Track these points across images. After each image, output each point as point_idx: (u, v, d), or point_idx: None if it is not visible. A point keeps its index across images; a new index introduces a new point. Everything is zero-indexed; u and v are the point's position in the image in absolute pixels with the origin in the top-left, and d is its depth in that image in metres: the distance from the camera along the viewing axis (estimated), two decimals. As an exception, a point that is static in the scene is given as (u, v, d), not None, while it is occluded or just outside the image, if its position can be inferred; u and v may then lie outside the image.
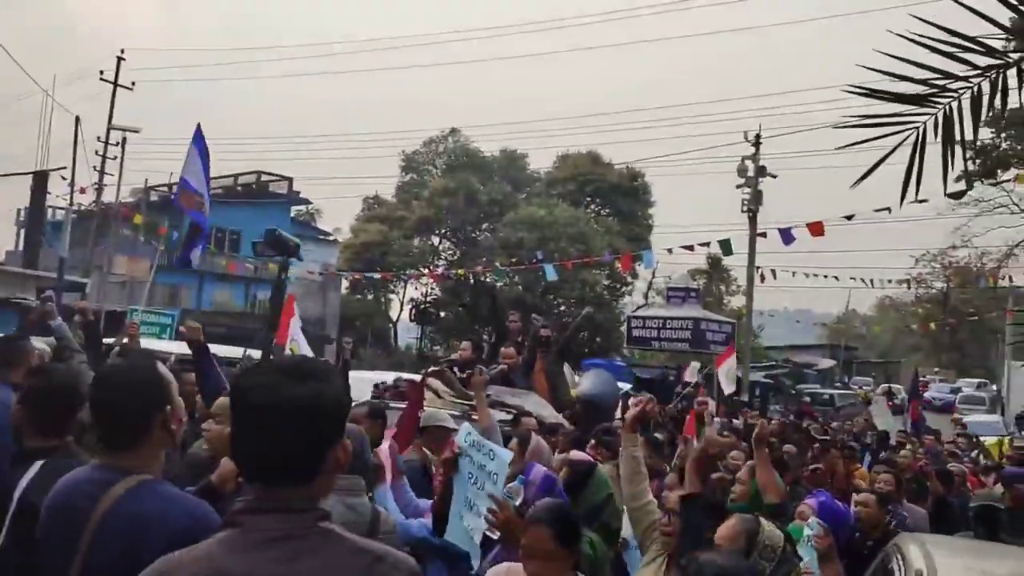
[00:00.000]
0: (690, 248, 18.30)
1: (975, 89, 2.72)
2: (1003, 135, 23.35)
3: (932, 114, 2.80)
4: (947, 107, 2.78)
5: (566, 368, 10.84)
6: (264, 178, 42.16)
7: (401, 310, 42.17)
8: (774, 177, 22.95)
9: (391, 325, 43.13)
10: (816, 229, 13.67)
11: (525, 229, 33.78)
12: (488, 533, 3.70)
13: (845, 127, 2.83)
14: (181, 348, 13.32)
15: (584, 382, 10.79)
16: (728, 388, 12.24)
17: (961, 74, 2.73)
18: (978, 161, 27.93)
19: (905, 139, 2.81)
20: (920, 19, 2.73)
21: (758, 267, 22.75)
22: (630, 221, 39.01)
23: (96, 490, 2.09)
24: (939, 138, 2.78)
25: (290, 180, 41.96)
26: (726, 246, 17.97)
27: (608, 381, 11.06)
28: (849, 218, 12.85)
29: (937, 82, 2.74)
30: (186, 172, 8.03)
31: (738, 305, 37.83)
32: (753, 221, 22.33)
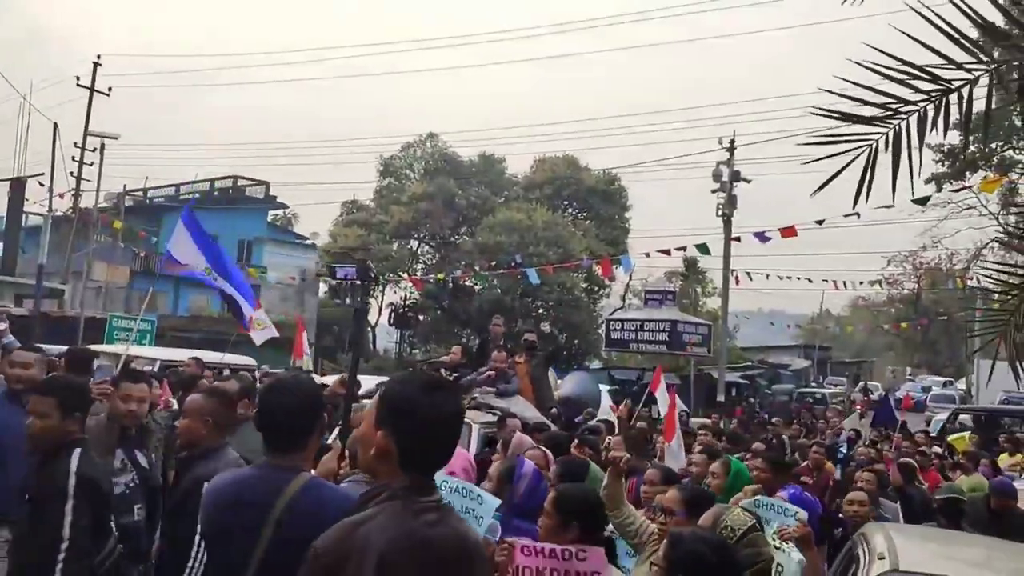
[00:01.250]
0: (667, 252, 18.71)
1: (921, 111, 3.04)
2: (971, 138, 23.97)
3: (883, 133, 3.12)
4: (896, 127, 3.09)
5: (550, 372, 11.17)
6: (240, 183, 42.14)
7: (380, 314, 42.29)
8: (748, 182, 23.43)
9: (370, 329, 43.23)
10: (788, 233, 14.12)
11: (503, 233, 34.08)
12: None
13: (808, 144, 3.14)
14: (164, 354, 13.57)
15: (566, 384, 11.16)
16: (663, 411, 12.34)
17: (909, 98, 3.05)
18: (947, 164, 28.59)
19: (859, 155, 3.13)
20: (875, 48, 3.04)
21: (733, 270, 23.22)
22: (607, 224, 39.42)
23: (274, 487, 2.46)
24: (890, 151, 3.09)
25: (267, 184, 41.97)
26: (703, 249, 18.36)
27: (589, 383, 11.45)
28: (820, 223, 13.29)
29: (890, 105, 3.05)
30: (172, 246, 8.11)
31: (714, 307, 38.32)
32: (728, 225, 22.78)
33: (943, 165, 28.43)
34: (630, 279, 40.70)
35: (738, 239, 20.62)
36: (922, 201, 10.58)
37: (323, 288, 39.95)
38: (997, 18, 2.91)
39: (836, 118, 3.06)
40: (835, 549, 5.31)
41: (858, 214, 11.96)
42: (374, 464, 2.02)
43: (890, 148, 3.10)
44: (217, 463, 3.36)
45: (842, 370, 55.58)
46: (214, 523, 2.55)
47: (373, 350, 42.32)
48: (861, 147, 3.12)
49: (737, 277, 22.97)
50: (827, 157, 3.08)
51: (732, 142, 23.20)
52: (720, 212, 23.00)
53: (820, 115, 3.03)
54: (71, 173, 28.15)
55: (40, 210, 28.27)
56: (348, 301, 43.07)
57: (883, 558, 4.04)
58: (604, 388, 15.69)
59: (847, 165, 3.09)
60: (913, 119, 3.07)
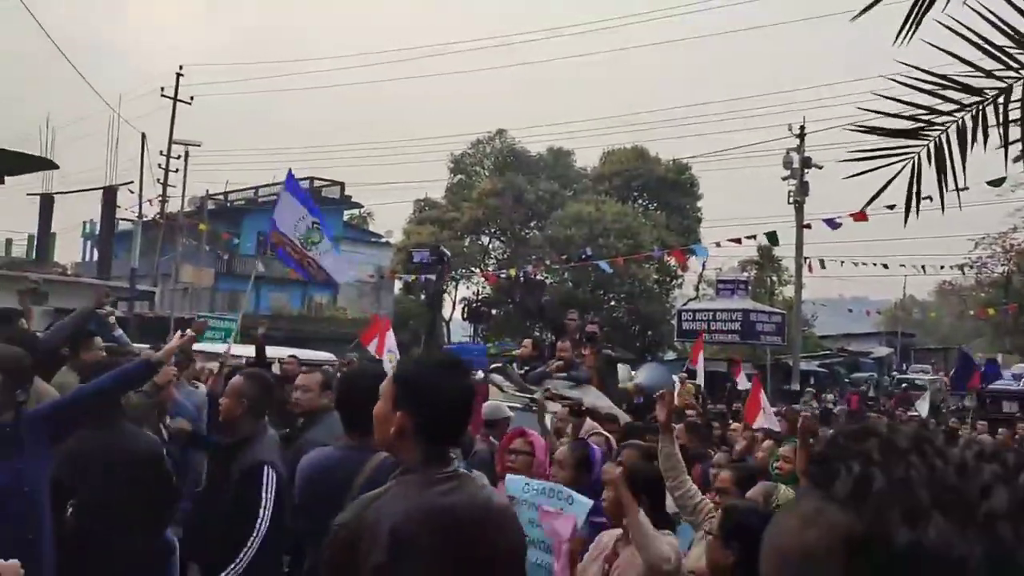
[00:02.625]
0: (737, 241, 18.56)
1: (960, 122, 3.16)
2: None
3: (923, 146, 3.25)
4: (937, 139, 3.22)
5: (620, 366, 11.35)
6: (316, 183, 43.19)
7: (453, 309, 42.91)
8: (819, 168, 23.04)
9: (444, 324, 43.88)
10: (860, 217, 13.90)
11: (573, 226, 34.17)
12: None
13: (852, 160, 3.29)
14: (246, 351, 14.28)
15: (640, 375, 11.32)
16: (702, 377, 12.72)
17: (947, 110, 3.17)
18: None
19: (901, 170, 3.26)
20: (913, 66, 3.18)
21: (807, 257, 22.88)
22: (678, 214, 39.11)
23: (354, 465, 2.80)
24: (932, 165, 3.22)
25: (342, 185, 42.94)
26: (772, 237, 18.21)
27: (663, 373, 11.60)
28: (891, 207, 12.96)
29: (925, 117, 3.18)
30: (277, 214, 8.56)
31: (790, 295, 37.69)
32: (800, 212, 22.47)
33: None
34: (703, 269, 40.36)
35: (808, 226, 20.34)
36: (997, 183, 10.32)
37: (398, 285, 40.71)
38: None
39: (875, 134, 3.20)
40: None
41: (930, 198, 11.74)
42: (393, 442, 2.14)
43: (933, 162, 3.22)
44: (255, 450, 3.71)
45: (927, 357, 53.82)
46: (305, 496, 2.89)
47: (447, 344, 42.96)
48: (904, 160, 3.25)
49: (810, 264, 22.65)
50: (868, 172, 3.22)
51: (802, 128, 22.87)
52: (791, 199, 22.71)
53: (857, 131, 3.17)
54: (158, 180, 29.49)
55: (130, 216, 29.66)
56: (423, 296, 43.96)
57: None
58: (676, 378, 15.80)
59: (888, 182, 3.22)
60: (952, 130, 3.19)
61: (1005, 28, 3.12)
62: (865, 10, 3.41)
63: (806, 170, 23.11)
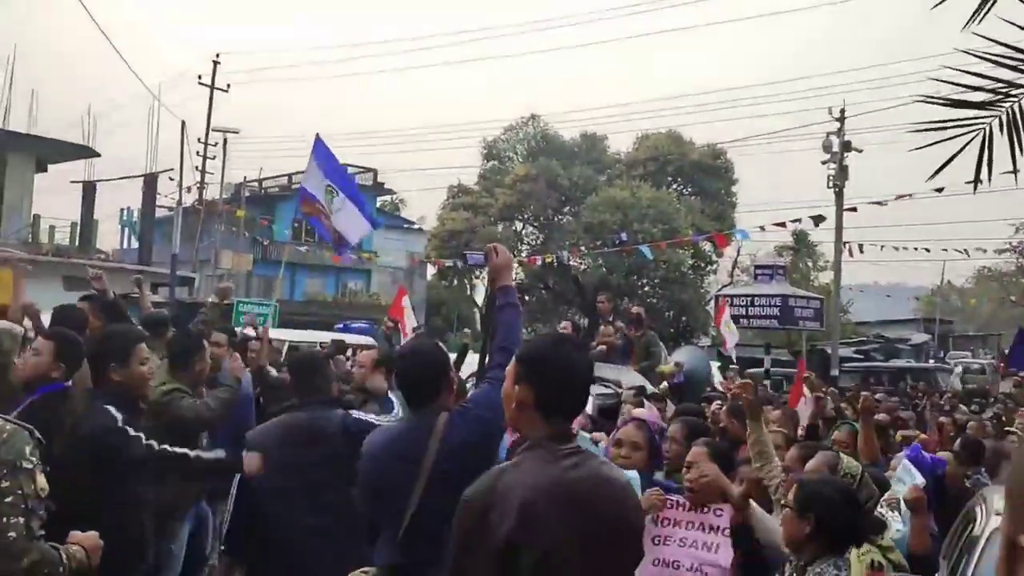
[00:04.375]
0: (782, 224, 18.40)
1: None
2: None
3: (995, 117, 3.22)
4: (1008, 110, 3.20)
5: (662, 348, 11.34)
6: (350, 171, 43.38)
7: (486, 295, 43.02)
8: (859, 151, 22.76)
9: (476, 310, 44.06)
10: (904, 198, 13.78)
11: (607, 211, 34.06)
12: None
13: (919, 131, 3.28)
14: (290, 336, 14.61)
15: (676, 358, 11.30)
16: (731, 340, 12.56)
17: (1019, 82, 3.14)
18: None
19: (972, 139, 3.24)
20: (985, 37, 3.16)
21: (846, 242, 22.63)
22: (713, 199, 38.82)
23: (423, 432, 2.90)
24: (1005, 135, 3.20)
25: (375, 171, 43.18)
26: (818, 220, 18.06)
27: (701, 357, 11.58)
28: (940, 190, 12.86)
29: (1000, 89, 3.16)
30: (305, 182, 8.64)
31: (826, 281, 37.27)
32: (840, 196, 22.22)
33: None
34: (738, 254, 40.08)
35: (854, 209, 20.15)
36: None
37: (431, 271, 40.90)
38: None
39: (945, 105, 3.19)
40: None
41: (981, 180, 11.60)
42: (516, 417, 2.23)
43: (1005, 131, 3.20)
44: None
45: (966, 344, 53.02)
46: (375, 475, 2.97)
47: (480, 330, 43.14)
48: (973, 131, 3.24)
49: (850, 249, 22.38)
50: (937, 143, 3.21)
51: (842, 111, 22.57)
52: (831, 183, 22.46)
53: (929, 102, 3.17)
54: (196, 167, 29.90)
55: (169, 203, 30.10)
56: (455, 283, 44.23)
57: (999, 514, 4.19)
58: (714, 364, 15.75)
59: (960, 150, 3.21)
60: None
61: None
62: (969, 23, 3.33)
63: (845, 154, 22.83)
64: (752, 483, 3.73)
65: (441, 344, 3.41)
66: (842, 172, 22.44)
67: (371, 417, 4.00)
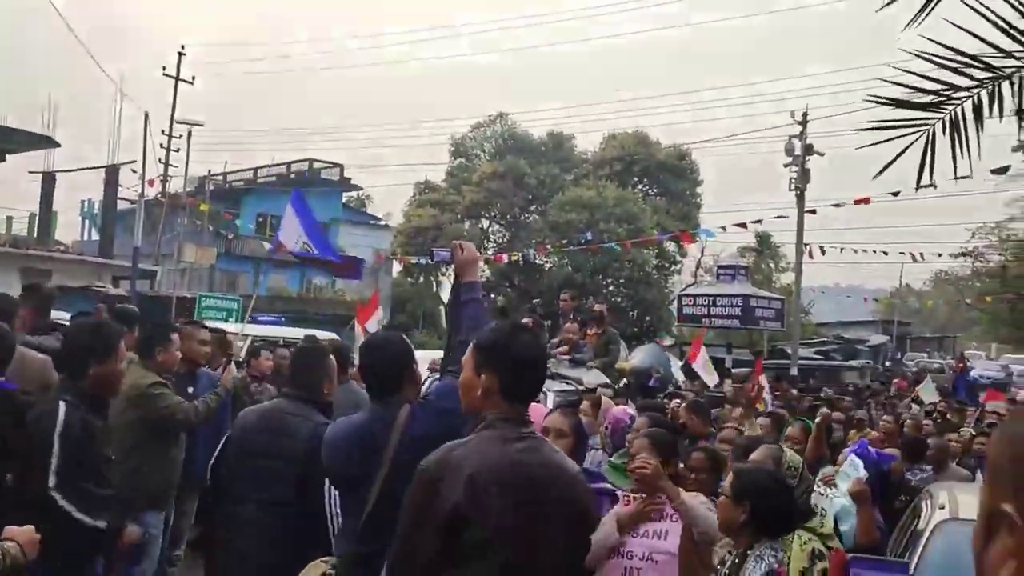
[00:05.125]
0: (743, 225, 18.68)
1: (975, 97, 3.27)
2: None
3: (939, 119, 3.35)
4: (952, 112, 3.33)
5: (621, 344, 11.46)
6: (316, 165, 43.17)
7: (452, 291, 42.98)
8: (821, 155, 23.18)
9: (441, 307, 44.02)
10: (862, 201, 14.08)
11: (574, 210, 34.25)
12: None
13: (867, 130, 3.40)
14: (256, 331, 14.49)
15: (636, 356, 11.43)
16: (710, 381, 12.63)
17: (964, 85, 3.27)
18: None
19: (915, 141, 3.37)
20: (931, 40, 3.28)
21: (806, 244, 23.03)
22: (678, 200, 39.21)
23: (385, 424, 2.92)
24: (948, 135, 3.33)
25: (341, 167, 42.94)
26: (770, 221, 18.31)
27: (658, 355, 11.72)
28: (896, 194, 13.20)
29: (944, 92, 3.29)
30: (282, 234, 8.85)
31: (787, 282, 37.83)
32: (801, 198, 22.61)
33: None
34: (702, 255, 40.52)
35: (813, 211, 20.52)
36: (1002, 171, 10.45)
37: (397, 267, 40.79)
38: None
39: (891, 105, 3.31)
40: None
41: (935, 185, 11.93)
42: (480, 404, 2.30)
43: (947, 133, 3.33)
44: None
45: (923, 346, 54.16)
46: (338, 464, 3.01)
47: (446, 327, 43.08)
48: (918, 132, 3.36)
49: (811, 251, 22.79)
50: (883, 142, 3.33)
51: (804, 115, 22.97)
52: (793, 186, 22.85)
53: (876, 103, 3.29)
54: (159, 160, 29.51)
55: (132, 195, 29.68)
56: (421, 279, 44.18)
57: (943, 508, 4.37)
58: (677, 363, 15.93)
59: (903, 151, 3.34)
60: (968, 105, 3.30)
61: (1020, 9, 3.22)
62: (890, 3, 3.48)
63: (807, 157, 23.23)
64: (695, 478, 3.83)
65: (405, 337, 3.44)
66: (803, 175, 22.85)
67: None
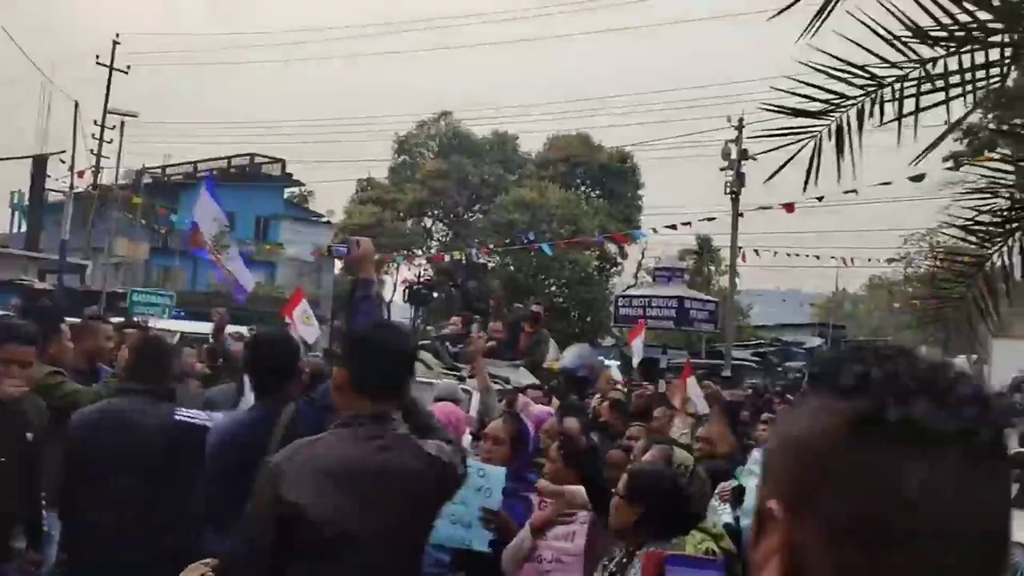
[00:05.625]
0: (673, 227, 18.99)
1: (860, 105, 3.36)
2: (989, 116, 23.75)
3: (827, 126, 3.45)
4: (839, 119, 3.42)
5: (552, 344, 11.53)
6: (257, 160, 42.56)
7: (395, 292, 42.76)
8: (755, 160, 23.56)
9: (385, 306, 43.69)
10: (789, 208, 14.45)
11: (517, 211, 34.35)
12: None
13: (758, 138, 3.47)
14: (183, 327, 14.18)
15: (567, 356, 11.50)
16: (636, 359, 12.95)
17: (849, 93, 3.37)
18: (965, 142, 28.41)
19: (804, 145, 3.46)
20: (818, 49, 3.37)
21: (741, 247, 23.47)
22: (620, 203, 39.58)
23: (267, 424, 2.91)
24: (835, 141, 3.43)
25: (283, 162, 42.40)
26: (711, 225, 18.62)
27: (589, 354, 11.83)
28: (820, 199, 13.58)
29: (833, 100, 3.38)
30: (197, 216, 8.51)
31: (727, 285, 38.44)
32: (736, 202, 23.03)
33: (961, 143, 28.25)
34: (643, 257, 40.97)
35: (741, 214, 20.91)
36: (918, 179, 10.80)
37: (339, 265, 40.40)
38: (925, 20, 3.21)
39: (785, 113, 3.39)
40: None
41: (856, 191, 12.30)
42: (338, 399, 2.30)
43: (833, 140, 3.42)
44: None
45: (856, 348, 55.43)
46: (220, 464, 2.96)
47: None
48: (806, 139, 3.45)
49: (744, 255, 23.23)
50: (775, 149, 3.42)
51: (741, 120, 23.39)
52: (728, 190, 23.27)
53: (767, 110, 3.36)
54: (91, 151, 28.75)
55: (61, 187, 28.87)
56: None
57: None
58: (614, 363, 16.07)
59: (791, 158, 3.42)
60: (852, 112, 3.39)
61: (904, 20, 3.32)
62: (782, 11, 3.57)
63: (743, 162, 23.65)
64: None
65: (293, 335, 3.42)
66: (739, 179, 23.27)
67: (199, 416, 3.88)
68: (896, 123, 3.25)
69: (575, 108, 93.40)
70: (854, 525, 0.73)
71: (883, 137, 3.51)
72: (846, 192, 11.73)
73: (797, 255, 23.13)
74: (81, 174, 27.83)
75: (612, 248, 38.68)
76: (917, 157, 3.61)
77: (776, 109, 3.36)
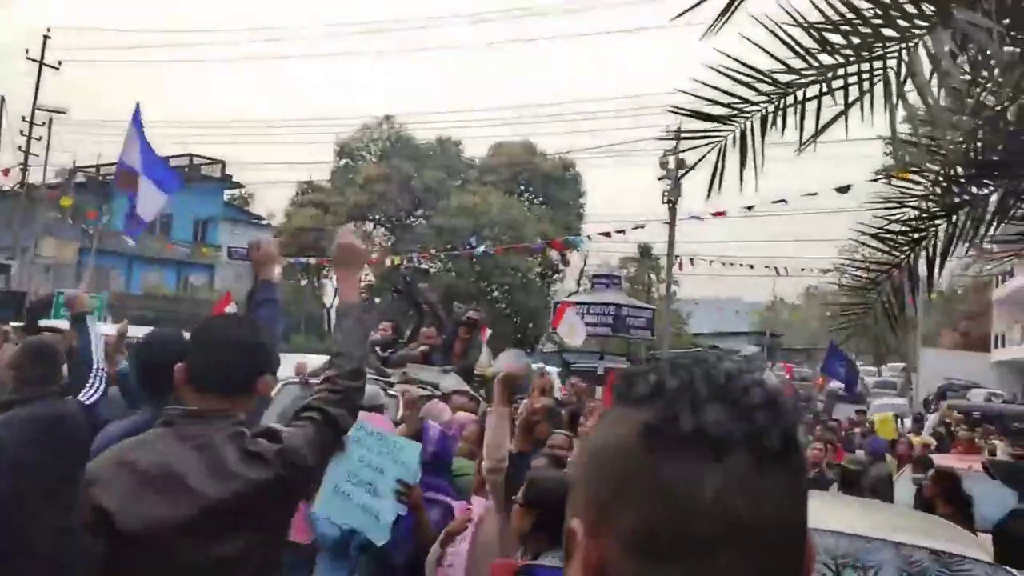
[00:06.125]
0: (607, 234, 19.19)
1: (764, 111, 3.40)
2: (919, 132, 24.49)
3: (731, 131, 3.47)
4: (743, 125, 3.45)
5: (484, 349, 11.47)
6: (196, 161, 41.77)
7: (335, 296, 42.27)
8: (692, 169, 23.88)
9: (325, 310, 43.21)
10: (720, 216, 14.71)
11: (459, 216, 34.26)
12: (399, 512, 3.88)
13: (665, 139, 3.49)
14: (113, 330, 13.78)
15: (498, 362, 11.47)
16: (575, 340, 12.70)
17: (754, 99, 3.40)
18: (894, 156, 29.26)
19: (711, 149, 3.48)
20: (726, 55, 3.39)
21: (678, 255, 23.77)
22: (563, 210, 39.77)
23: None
24: (737, 149, 3.45)
25: (222, 163, 41.67)
26: (655, 233, 18.81)
27: (520, 360, 11.81)
28: (749, 208, 13.82)
29: (737, 105, 3.41)
30: (124, 154, 8.09)
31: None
32: (673, 211, 23.33)
33: (890, 157, 29.11)
34: (584, 264, 41.24)
35: (671, 222, 21.23)
36: (844, 189, 11.06)
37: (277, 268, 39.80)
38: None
39: (692, 117, 3.41)
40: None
41: (785, 201, 12.57)
42: (180, 396, 2.20)
43: (738, 145, 3.45)
44: None
45: (791, 357, 56.69)
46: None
47: (328, 332, 42.34)
48: (712, 143, 3.48)
49: (680, 263, 23.54)
50: (682, 151, 3.43)
51: (678, 130, 23.62)
52: (665, 199, 23.55)
53: (678, 114, 3.37)
54: (19, 148, 27.85)
55: (-12, 185, 27.94)
56: (304, 281, 43.25)
57: None
58: (554, 370, 16.09)
59: (698, 161, 3.44)
60: (756, 118, 3.43)
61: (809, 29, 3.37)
62: (682, 13, 3.60)
63: (680, 171, 23.96)
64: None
65: (184, 335, 3.27)
66: (676, 188, 23.55)
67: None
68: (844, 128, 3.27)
69: (518, 115, 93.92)
70: (648, 536, 0.72)
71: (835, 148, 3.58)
72: (774, 202, 11.99)
73: (732, 264, 23.53)
74: (7, 172, 26.93)
75: (555, 255, 38.84)
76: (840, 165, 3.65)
77: (682, 112, 3.37)
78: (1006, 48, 4.07)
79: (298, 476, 2.21)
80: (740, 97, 3.37)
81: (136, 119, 8.28)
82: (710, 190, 3.47)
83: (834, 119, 3.38)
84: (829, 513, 4.97)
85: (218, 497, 2.03)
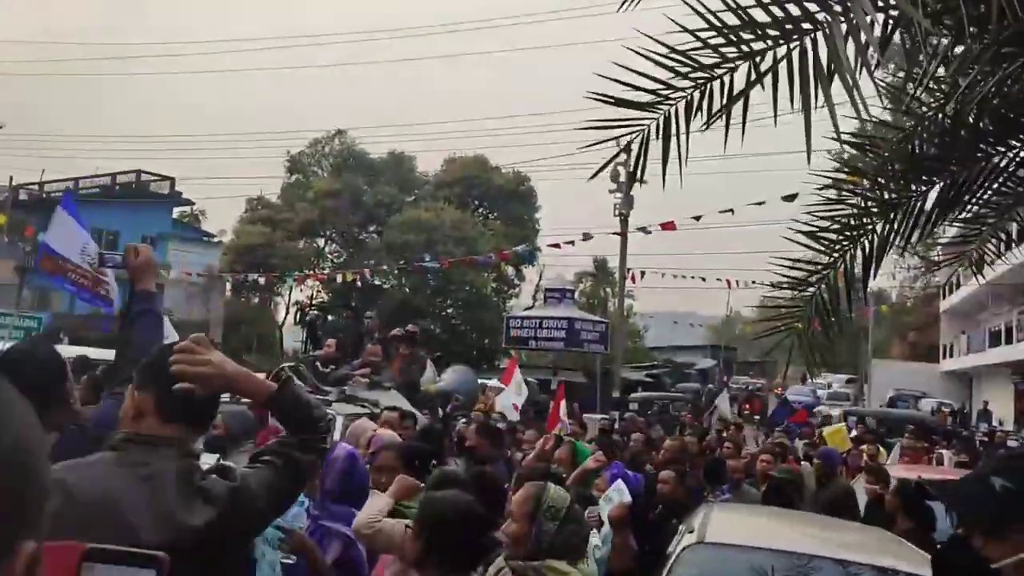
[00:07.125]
0: (556, 246, 19.10)
1: (689, 97, 3.17)
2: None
3: (654, 119, 3.24)
4: (666, 112, 3.22)
5: (429, 365, 11.20)
6: (144, 177, 40.92)
7: (287, 314, 41.57)
8: (644, 183, 23.84)
9: (277, 330, 42.44)
10: (668, 227, 14.62)
11: (412, 232, 33.91)
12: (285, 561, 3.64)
13: (588, 128, 3.24)
14: (64, 351, 13.24)
15: (445, 378, 11.23)
16: (519, 399, 12.14)
17: (677, 84, 3.17)
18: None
19: (633, 139, 3.24)
20: (649, 36, 3.16)
21: (630, 268, 23.73)
22: (517, 224, 39.63)
23: None
24: (660, 137, 3.22)
25: (172, 180, 40.88)
26: (609, 246, 18.68)
27: (467, 376, 11.60)
28: (697, 219, 13.76)
29: (661, 91, 3.18)
30: (50, 237, 7.72)
31: (625, 307, 38.95)
32: (624, 224, 23.25)
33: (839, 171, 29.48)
34: (540, 278, 41.11)
35: (622, 234, 21.17)
36: (790, 198, 10.98)
37: (228, 287, 39.05)
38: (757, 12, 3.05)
39: (609, 102, 3.17)
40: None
41: (732, 211, 12.49)
42: (134, 426, 2.04)
43: (661, 135, 3.22)
44: None
45: (747, 369, 57.12)
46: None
47: (281, 350, 41.52)
48: (634, 132, 3.24)
49: (633, 276, 23.47)
50: (603, 142, 3.19)
51: (629, 143, 23.60)
52: (617, 212, 23.49)
53: (593, 99, 3.13)
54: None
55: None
56: (257, 300, 42.46)
57: (692, 531, 4.28)
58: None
59: (620, 151, 3.21)
60: (682, 105, 3.20)
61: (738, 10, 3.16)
62: (625, 3, 3.40)
63: (634, 183, 23.94)
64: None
65: (57, 349, 2.95)
66: (627, 200, 23.51)
67: None
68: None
69: (473, 128, 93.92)
70: None
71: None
72: (721, 212, 11.89)
73: (684, 277, 23.53)
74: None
75: (510, 271, 38.66)
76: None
77: (598, 97, 3.13)
78: (943, 40, 3.91)
79: (247, 518, 2.08)
80: (663, 82, 3.13)
81: (68, 206, 7.91)
82: (631, 182, 3.23)
83: (740, 93, 3.13)
84: (773, 531, 4.78)
85: (150, 541, 1.80)
